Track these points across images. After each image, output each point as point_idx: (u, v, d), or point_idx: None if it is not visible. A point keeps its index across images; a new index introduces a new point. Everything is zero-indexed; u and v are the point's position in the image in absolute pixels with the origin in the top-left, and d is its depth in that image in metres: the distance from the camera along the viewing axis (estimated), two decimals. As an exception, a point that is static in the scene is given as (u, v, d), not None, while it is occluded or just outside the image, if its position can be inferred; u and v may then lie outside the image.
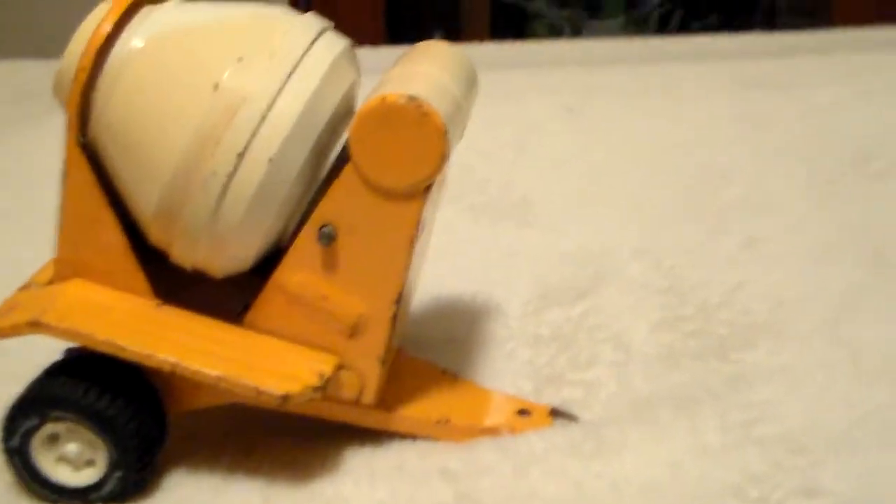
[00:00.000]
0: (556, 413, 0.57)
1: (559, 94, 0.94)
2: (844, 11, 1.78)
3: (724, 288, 0.68)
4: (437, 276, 0.71)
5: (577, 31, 1.86)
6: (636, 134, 0.88)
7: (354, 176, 0.48)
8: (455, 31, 2.10)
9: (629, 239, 0.74)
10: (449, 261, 0.73)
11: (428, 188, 0.48)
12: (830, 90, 0.92)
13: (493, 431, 0.55)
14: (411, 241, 0.49)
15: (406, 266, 0.49)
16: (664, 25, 1.88)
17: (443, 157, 0.47)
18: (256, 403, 0.50)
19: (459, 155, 0.86)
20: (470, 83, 0.53)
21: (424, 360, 0.59)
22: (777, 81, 0.94)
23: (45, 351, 0.52)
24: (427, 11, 2.12)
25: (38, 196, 0.83)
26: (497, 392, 0.58)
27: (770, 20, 1.91)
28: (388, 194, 0.48)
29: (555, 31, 1.87)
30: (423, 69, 0.50)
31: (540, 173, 0.83)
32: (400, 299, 0.50)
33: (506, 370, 0.61)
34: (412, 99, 0.46)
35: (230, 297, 0.54)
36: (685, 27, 1.88)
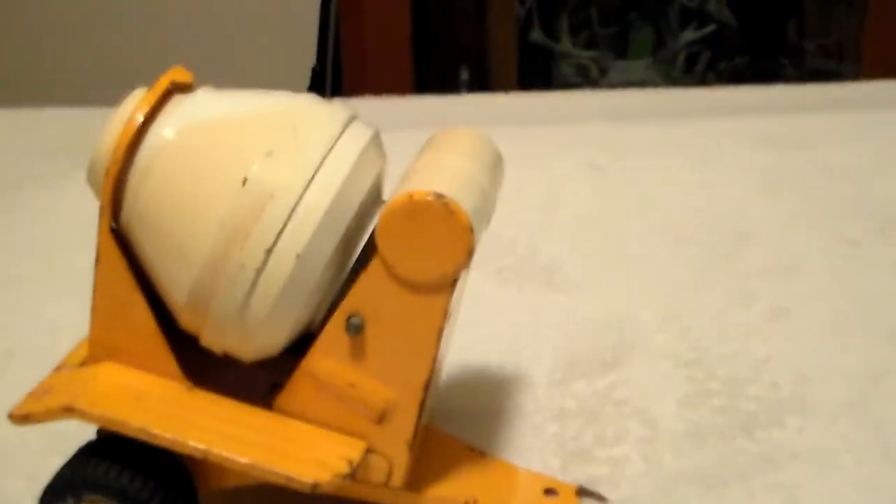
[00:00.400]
0: (583, 492, 0.57)
1: (585, 150, 0.94)
2: (874, 53, 1.78)
3: (751, 361, 0.68)
4: (465, 342, 0.71)
5: (603, 72, 1.87)
6: (660, 194, 0.88)
7: (381, 269, 0.48)
8: (483, 73, 2.11)
9: (654, 305, 0.74)
10: (476, 328, 0.73)
11: (454, 281, 0.49)
12: (857, 149, 0.92)
13: (520, 513, 0.55)
14: (438, 333, 0.49)
15: (433, 356, 0.49)
16: (691, 66, 1.88)
17: (469, 253, 0.47)
18: (287, 487, 0.51)
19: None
20: (495, 169, 0.54)
21: (452, 437, 0.60)
22: (804, 139, 0.94)
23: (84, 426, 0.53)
24: (454, 53, 2.13)
25: (63, 254, 0.84)
26: (524, 470, 0.58)
27: (798, 62, 1.91)
28: (415, 287, 0.48)
29: (582, 72, 1.88)
30: (449, 160, 0.51)
31: (565, 235, 0.84)
32: (428, 386, 0.50)
33: (533, 445, 0.62)
34: (439, 197, 0.47)
35: (260, 375, 0.54)
36: (712, 68, 1.88)
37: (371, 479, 0.53)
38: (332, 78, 2.28)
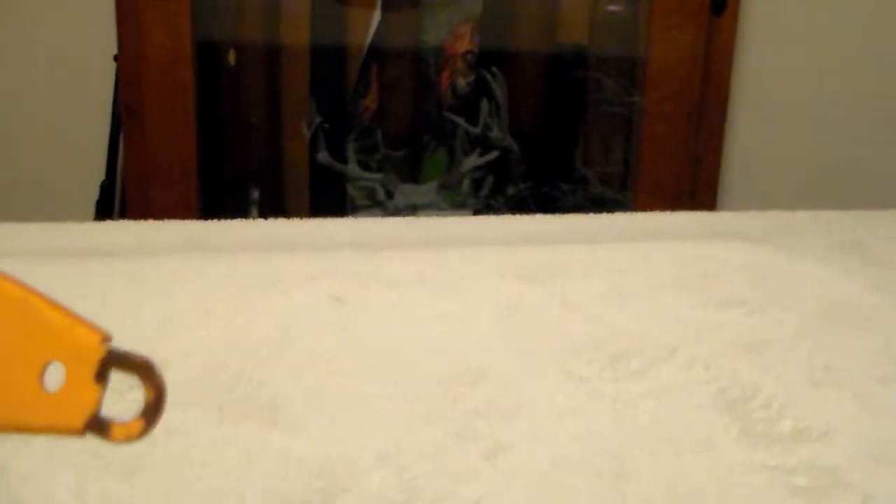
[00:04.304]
0: None
1: (327, 280, 0.93)
2: (644, 182, 1.84)
3: (460, 502, 0.66)
4: (170, 484, 0.68)
5: (390, 195, 1.88)
6: (397, 327, 0.87)
7: None
8: (275, 192, 2.10)
9: (373, 444, 0.72)
10: (185, 469, 0.70)
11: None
12: (594, 282, 0.93)
13: None
14: None
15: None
16: (477, 191, 1.91)
17: None
18: None
19: (213, 352, 0.84)
20: None
21: None
22: (544, 271, 0.95)
23: None
24: (245, 171, 2.11)
25: None
26: None
27: (579, 188, 1.96)
28: None
29: (371, 195, 1.88)
30: None
31: (294, 370, 0.81)
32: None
33: None
34: None
35: None
36: (498, 193, 1.91)
37: None
38: (121, 194, 2.24)
